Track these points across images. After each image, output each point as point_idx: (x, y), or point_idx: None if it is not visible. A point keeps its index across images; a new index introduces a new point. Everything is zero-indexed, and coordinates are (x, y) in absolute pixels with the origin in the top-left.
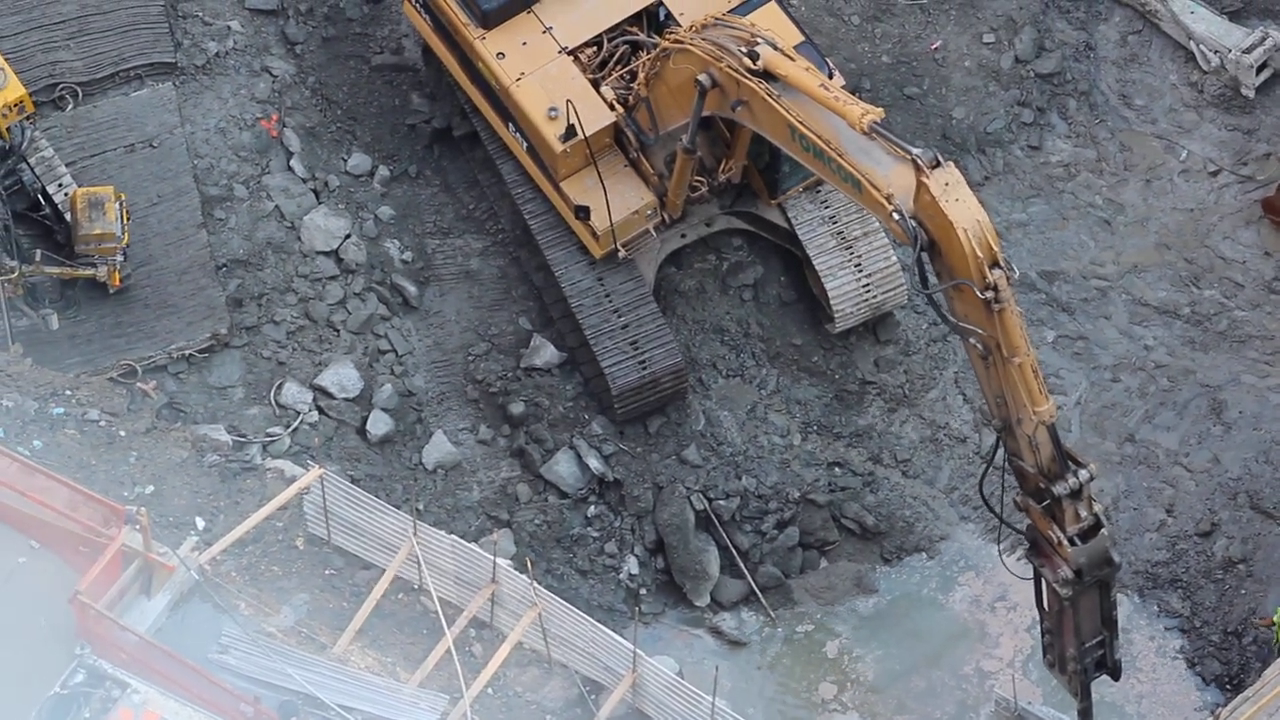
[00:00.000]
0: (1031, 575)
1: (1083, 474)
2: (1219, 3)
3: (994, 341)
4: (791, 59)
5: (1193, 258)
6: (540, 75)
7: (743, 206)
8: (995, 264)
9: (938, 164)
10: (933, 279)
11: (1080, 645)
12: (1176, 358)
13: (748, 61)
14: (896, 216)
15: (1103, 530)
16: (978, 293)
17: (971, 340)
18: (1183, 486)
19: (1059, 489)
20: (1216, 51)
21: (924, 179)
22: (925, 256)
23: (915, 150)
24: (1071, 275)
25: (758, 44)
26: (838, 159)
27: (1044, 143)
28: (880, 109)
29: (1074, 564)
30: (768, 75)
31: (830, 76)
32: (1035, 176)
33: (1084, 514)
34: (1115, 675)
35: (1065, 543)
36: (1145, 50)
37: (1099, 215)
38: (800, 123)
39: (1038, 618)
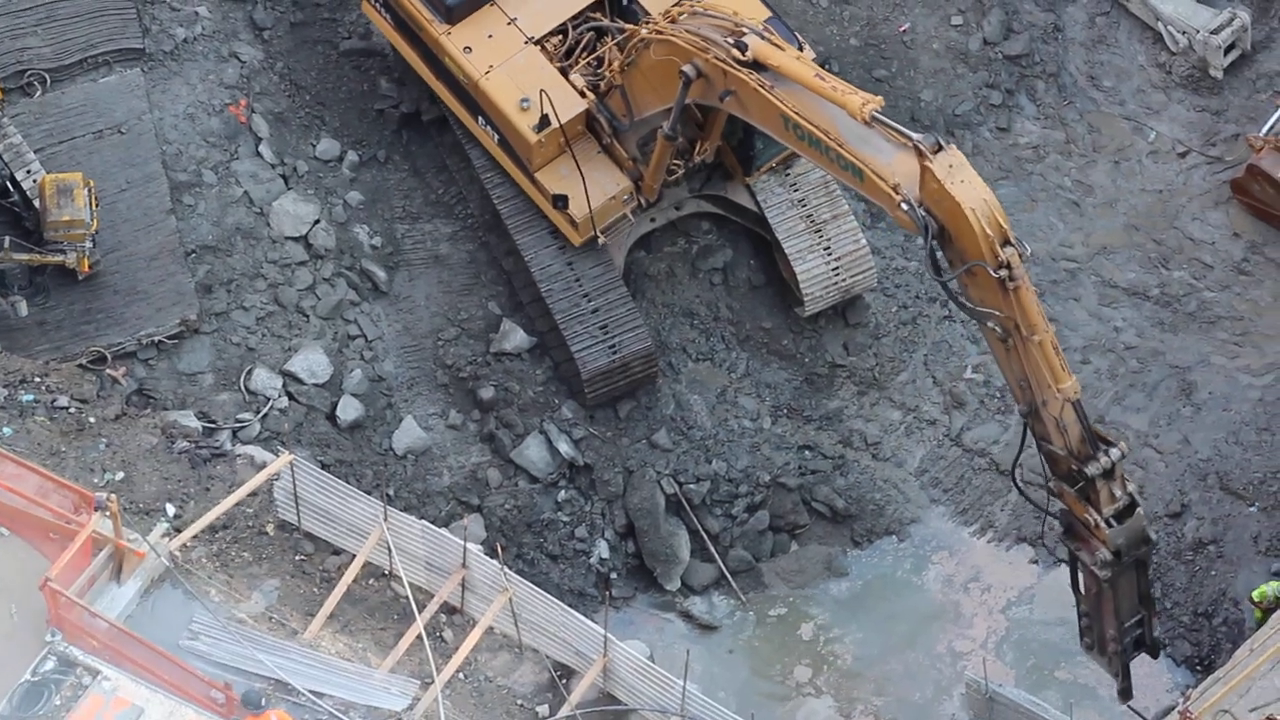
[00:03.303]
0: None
1: (1114, 453)
2: None
3: (1012, 322)
4: (780, 48)
5: (1162, 239)
6: (509, 67)
7: (712, 190)
8: (1006, 241)
9: (940, 148)
10: (945, 282)
11: (1120, 625)
12: (1146, 339)
13: (736, 52)
14: (905, 206)
15: (1138, 509)
16: (991, 273)
17: (990, 324)
18: (1153, 468)
19: (1091, 470)
20: (1184, 32)
21: (927, 164)
22: (936, 245)
23: (916, 136)
24: (1040, 257)
25: (744, 34)
26: (837, 149)
27: (1012, 125)
28: (879, 97)
29: (1113, 545)
30: (757, 65)
31: (800, 50)
32: (1004, 158)
33: (1119, 494)
34: (1154, 653)
35: (1102, 524)
36: (1113, 32)
37: (1068, 197)
38: (796, 113)
39: (1074, 601)
